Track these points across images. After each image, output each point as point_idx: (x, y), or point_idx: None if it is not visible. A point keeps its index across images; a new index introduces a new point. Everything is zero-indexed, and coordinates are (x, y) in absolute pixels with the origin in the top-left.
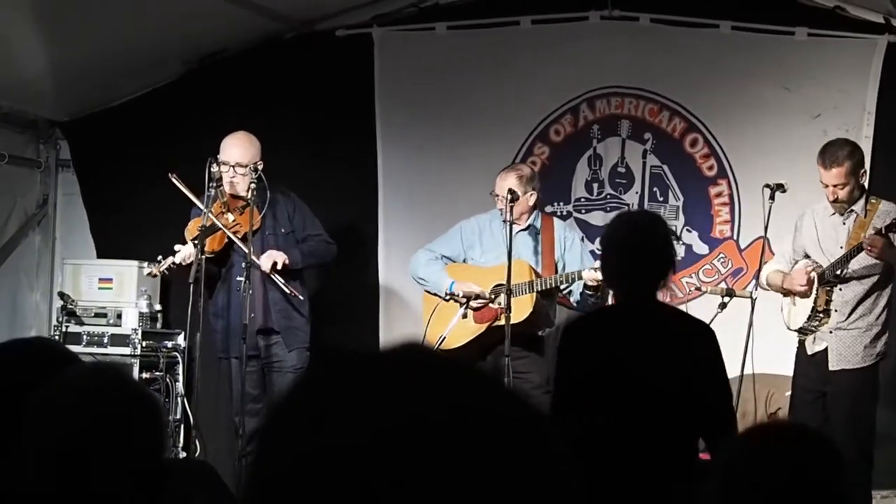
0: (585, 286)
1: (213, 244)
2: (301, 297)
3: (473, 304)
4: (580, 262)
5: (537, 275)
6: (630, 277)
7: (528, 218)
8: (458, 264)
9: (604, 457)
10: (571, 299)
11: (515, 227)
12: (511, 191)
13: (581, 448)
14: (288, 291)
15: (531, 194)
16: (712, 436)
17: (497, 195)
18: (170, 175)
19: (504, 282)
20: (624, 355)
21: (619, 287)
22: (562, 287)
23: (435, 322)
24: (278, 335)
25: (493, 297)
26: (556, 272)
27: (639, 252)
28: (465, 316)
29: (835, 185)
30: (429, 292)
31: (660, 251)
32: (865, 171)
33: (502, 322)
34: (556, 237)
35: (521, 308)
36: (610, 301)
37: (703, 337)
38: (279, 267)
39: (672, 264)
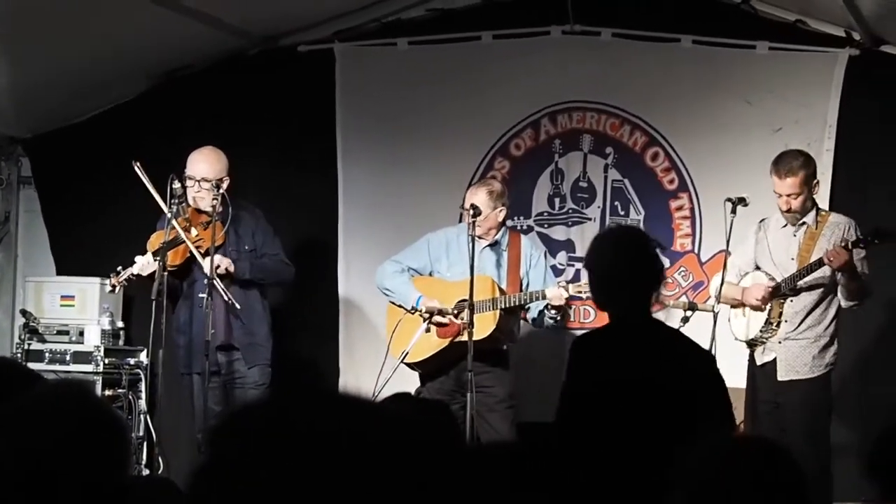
0: (549, 305)
1: (174, 258)
2: (238, 306)
3: (437, 319)
4: (542, 281)
5: (502, 291)
6: (623, 299)
7: (496, 234)
8: (424, 277)
9: (610, 471)
10: (528, 316)
11: (483, 243)
12: (473, 206)
13: (589, 461)
14: (226, 299)
15: (501, 210)
16: None
17: (467, 209)
18: (133, 164)
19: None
20: (633, 373)
21: (614, 309)
22: (526, 305)
23: (398, 335)
24: (239, 351)
25: (455, 312)
26: (521, 289)
27: (627, 272)
28: (427, 330)
29: (789, 195)
30: (394, 303)
31: (647, 266)
32: (818, 183)
33: (465, 337)
34: (523, 254)
35: (485, 324)
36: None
37: (708, 361)
38: (221, 271)
39: (662, 275)
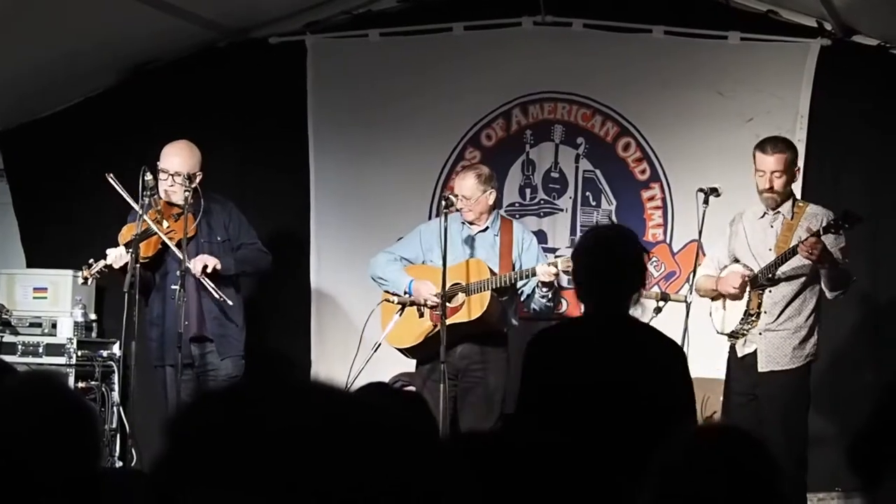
0: (539, 283)
1: (146, 249)
2: (230, 303)
3: (425, 293)
4: (535, 262)
5: (493, 273)
6: (602, 294)
7: (487, 219)
8: (417, 265)
9: (569, 471)
10: (522, 300)
11: (475, 228)
12: (446, 197)
13: (546, 461)
14: (218, 297)
15: (490, 193)
16: None
17: (456, 195)
18: (107, 175)
19: (461, 281)
20: (594, 369)
21: (592, 302)
22: (518, 284)
23: (385, 323)
24: (212, 343)
25: (424, 300)
26: (513, 271)
27: (613, 268)
28: (421, 315)
29: (773, 172)
30: (388, 292)
31: (633, 267)
32: (798, 171)
33: (457, 320)
34: (515, 238)
35: (476, 306)
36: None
37: (675, 355)
38: (209, 270)
39: (643, 280)
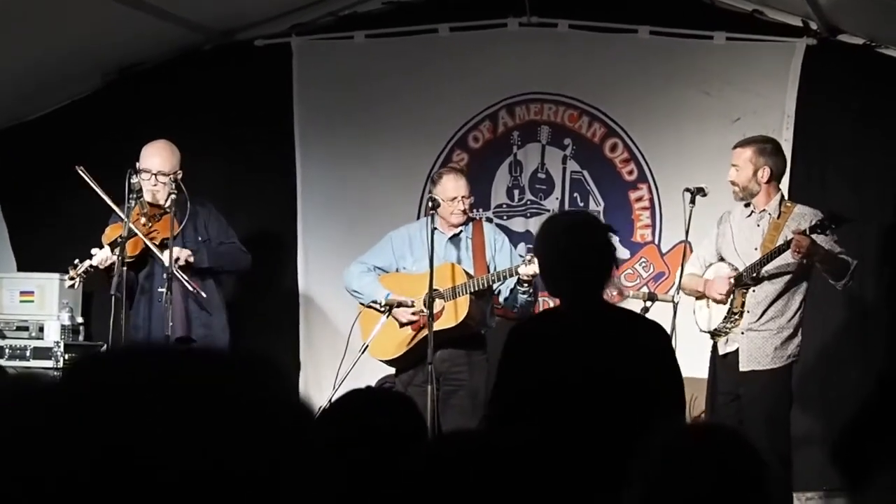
0: (520, 280)
1: (132, 248)
2: (204, 295)
3: (402, 312)
4: (510, 262)
5: (470, 276)
6: (576, 284)
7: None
8: (392, 274)
9: (559, 460)
10: (500, 298)
11: (450, 232)
12: (432, 199)
13: (533, 452)
14: (191, 289)
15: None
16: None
17: (455, 197)
18: (77, 168)
19: (438, 287)
20: (577, 359)
21: (565, 294)
22: (495, 286)
23: (367, 330)
24: (197, 343)
25: (412, 302)
26: (489, 273)
27: (580, 257)
28: (402, 325)
29: (733, 165)
30: (363, 304)
31: (600, 252)
32: (770, 172)
33: (442, 326)
34: (487, 240)
35: (457, 310)
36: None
37: (655, 335)
38: (181, 263)
39: (614, 261)
